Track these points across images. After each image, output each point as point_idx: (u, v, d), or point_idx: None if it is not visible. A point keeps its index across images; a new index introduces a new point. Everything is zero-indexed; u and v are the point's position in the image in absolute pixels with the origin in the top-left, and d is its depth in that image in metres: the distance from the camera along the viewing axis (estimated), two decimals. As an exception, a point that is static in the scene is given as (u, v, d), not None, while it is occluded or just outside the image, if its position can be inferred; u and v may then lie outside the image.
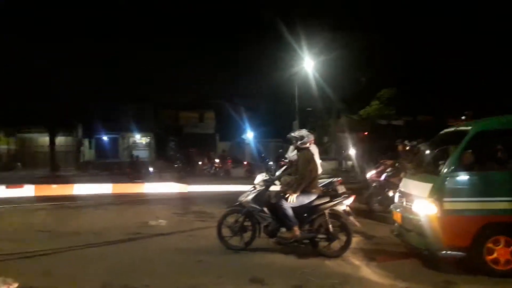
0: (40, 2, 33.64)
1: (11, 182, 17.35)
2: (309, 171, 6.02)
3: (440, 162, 5.73)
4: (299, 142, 6.29)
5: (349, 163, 26.77)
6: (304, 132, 6.41)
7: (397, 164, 9.75)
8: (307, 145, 6.33)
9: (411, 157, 9.25)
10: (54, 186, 10.55)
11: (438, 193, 5.15)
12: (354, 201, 6.51)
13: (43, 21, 30.72)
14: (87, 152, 34.82)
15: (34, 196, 9.50)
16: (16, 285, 4.29)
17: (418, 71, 27.84)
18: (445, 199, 5.11)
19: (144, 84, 34.81)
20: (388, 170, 9.84)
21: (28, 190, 9.02)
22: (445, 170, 5.24)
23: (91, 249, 6.66)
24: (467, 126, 5.70)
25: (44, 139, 34.18)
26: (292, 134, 6.49)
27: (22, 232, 7.93)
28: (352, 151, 28.88)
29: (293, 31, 26.36)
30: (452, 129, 6.14)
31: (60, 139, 35.89)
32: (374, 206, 9.79)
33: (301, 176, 5.99)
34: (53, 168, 30.20)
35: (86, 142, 34.96)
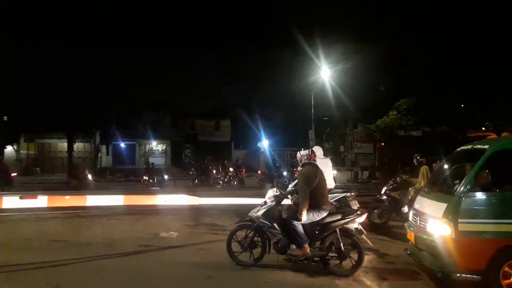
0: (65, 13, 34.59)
1: (29, 188, 17.73)
2: (307, 189, 5.87)
3: (456, 181, 5.57)
4: (299, 162, 6.39)
5: (365, 174, 26.47)
6: (298, 153, 6.49)
7: (398, 179, 9.95)
8: (309, 160, 6.25)
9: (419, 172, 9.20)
10: (67, 197, 10.69)
11: (453, 213, 5.00)
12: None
13: (63, 30, 31.55)
14: (105, 158, 35.31)
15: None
16: (24, 299, 4.28)
17: (438, 80, 27.36)
18: (460, 220, 4.95)
19: (162, 92, 35.33)
20: (389, 183, 10.05)
21: (41, 201, 9.17)
22: (461, 190, 5.09)
23: (102, 260, 6.69)
24: (484, 144, 5.53)
25: (63, 145, 34.84)
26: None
27: (36, 241, 8.00)
28: (368, 162, 28.65)
29: (311, 40, 26.35)
30: (469, 146, 5.96)
31: (78, 146, 36.58)
32: (374, 219, 9.76)
33: (300, 195, 5.92)
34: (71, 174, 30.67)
35: (103, 148, 35.46)
